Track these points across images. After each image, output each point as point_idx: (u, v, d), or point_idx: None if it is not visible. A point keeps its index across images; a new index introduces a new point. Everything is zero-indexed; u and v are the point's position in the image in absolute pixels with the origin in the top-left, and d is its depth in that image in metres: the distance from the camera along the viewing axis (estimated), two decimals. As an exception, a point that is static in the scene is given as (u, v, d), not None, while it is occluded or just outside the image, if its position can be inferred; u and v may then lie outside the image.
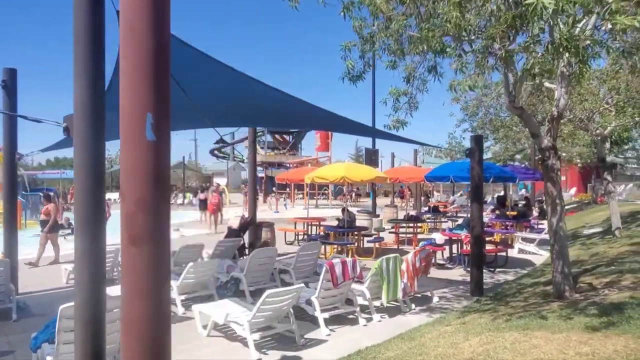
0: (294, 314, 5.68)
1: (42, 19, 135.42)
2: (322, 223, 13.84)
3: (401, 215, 16.69)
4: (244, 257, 9.64)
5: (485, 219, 12.86)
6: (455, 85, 4.78)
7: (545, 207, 9.58)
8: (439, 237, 10.47)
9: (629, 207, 17.52)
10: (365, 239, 12.45)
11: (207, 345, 5.59)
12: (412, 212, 17.54)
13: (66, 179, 34.29)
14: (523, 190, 27.92)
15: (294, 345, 5.46)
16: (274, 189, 33.12)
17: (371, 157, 21.51)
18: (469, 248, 8.52)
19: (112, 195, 28.33)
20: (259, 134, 43.03)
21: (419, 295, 7.48)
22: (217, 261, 7.73)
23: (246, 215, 11.98)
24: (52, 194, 19.47)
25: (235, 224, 11.93)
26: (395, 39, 5.49)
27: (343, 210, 12.21)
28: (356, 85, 5.94)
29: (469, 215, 9.11)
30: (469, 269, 8.38)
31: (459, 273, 9.51)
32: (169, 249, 2.59)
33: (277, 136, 47.69)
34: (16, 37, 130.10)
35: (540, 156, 6.48)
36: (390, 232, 14.03)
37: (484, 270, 8.37)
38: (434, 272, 8.81)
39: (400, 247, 12.63)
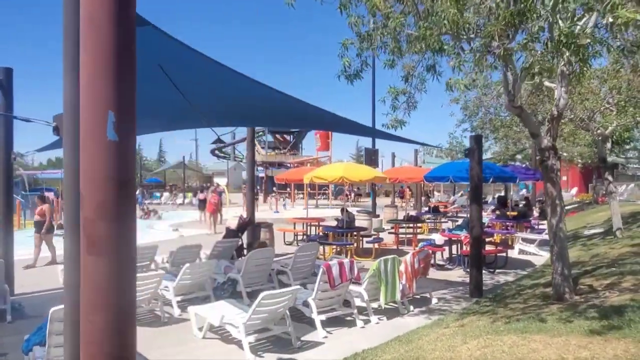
0: (291, 316, 5.62)
1: (42, 19, 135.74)
2: (321, 223, 13.77)
3: (401, 215, 16.62)
4: (242, 257, 9.58)
5: (486, 220, 12.82)
6: (452, 83, 4.71)
7: (545, 207, 9.51)
8: (438, 238, 10.41)
9: (630, 208, 17.43)
10: (365, 239, 12.36)
11: (202, 347, 5.55)
12: (412, 213, 17.47)
13: (66, 179, 34.17)
14: (524, 191, 27.79)
15: (290, 348, 5.41)
16: (274, 189, 33.04)
17: (371, 157, 21.49)
18: (468, 249, 8.46)
19: None
20: (259, 133, 43.03)
21: (418, 297, 7.42)
22: (214, 262, 7.66)
23: (244, 215, 11.92)
24: (51, 194, 19.45)
25: (233, 224, 11.87)
26: (393, 37, 5.42)
27: (342, 210, 12.14)
28: (352, 84, 5.83)
29: (469, 216, 9.04)
30: (468, 270, 8.32)
31: (458, 274, 9.45)
32: (134, 257, 2.41)
33: (277, 136, 47.73)
34: (16, 37, 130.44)
35: (540, 156, 6.41)
36: (389, 233, 13.97)
37: (484, 271, 8.31)
38: (433, 273, 8.75)
39: (399, 248, 12.57)
